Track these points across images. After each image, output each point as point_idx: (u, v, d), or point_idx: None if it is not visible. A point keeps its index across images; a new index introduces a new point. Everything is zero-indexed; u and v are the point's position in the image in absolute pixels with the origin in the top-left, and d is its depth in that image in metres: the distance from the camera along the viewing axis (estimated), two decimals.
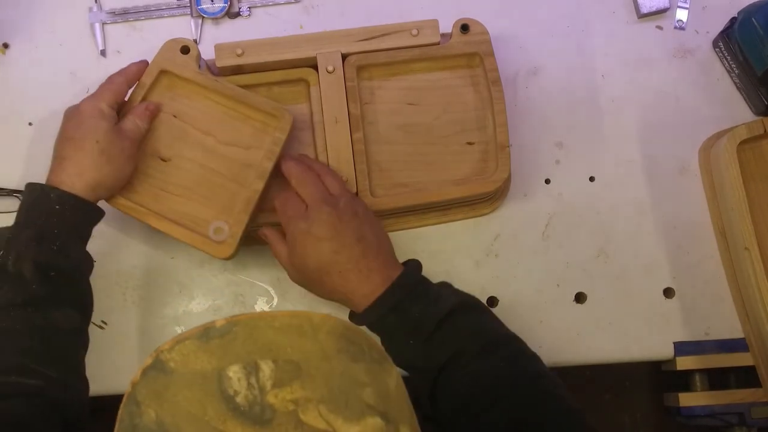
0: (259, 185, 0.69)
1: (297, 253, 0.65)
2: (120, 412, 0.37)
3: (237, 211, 0.69)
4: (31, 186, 0.64)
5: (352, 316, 0.65)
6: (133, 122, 0.68)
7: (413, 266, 0.66)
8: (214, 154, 0.71)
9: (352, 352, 0.39)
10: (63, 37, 0.81)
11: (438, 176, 0.73)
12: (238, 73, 0.73)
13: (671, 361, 0.76)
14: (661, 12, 0.81)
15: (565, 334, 0.76)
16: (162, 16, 0.81)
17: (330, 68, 0.72)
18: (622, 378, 1.25)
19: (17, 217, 0.63)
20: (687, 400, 0.77)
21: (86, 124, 0.65)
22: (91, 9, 0.81)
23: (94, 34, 0.81)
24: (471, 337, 0.62)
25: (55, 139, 0.67)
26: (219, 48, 0.72)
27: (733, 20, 0.77)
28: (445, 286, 0.66)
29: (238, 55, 0.72)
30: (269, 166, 0.69)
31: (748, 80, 0.77)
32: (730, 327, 0.76)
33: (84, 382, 0.63)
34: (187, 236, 0.68)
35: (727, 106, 0.80)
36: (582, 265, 0.77)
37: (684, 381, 0.79)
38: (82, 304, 0.65)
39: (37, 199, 0.62)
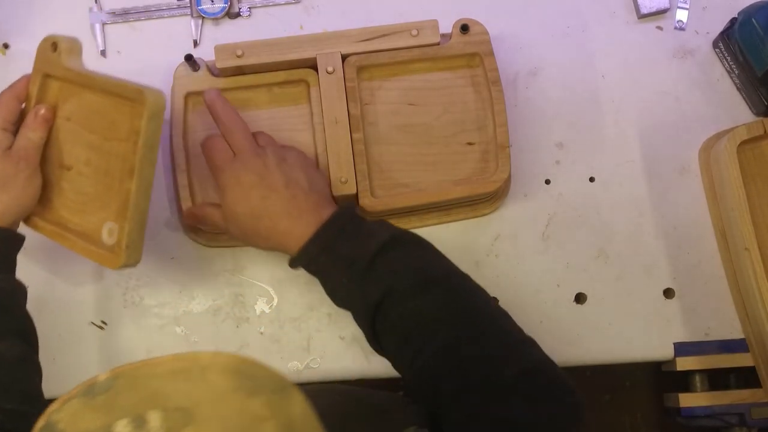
0: (130, 184, 0.62)
1: (228, 202, 0.65)
2: None
3: (120, 216, 0.63)
4: None
5: (290, 261, 0.64)
6: (25, 137, 0.65)
7: (346, 206, 0.65)
8: (101, 153, 0.65)
9: (248, 387, 0.37)
10: None
11: (438, 176, 0.73)
12: (239, 74, 0.73)
13: (671, 362, 0.76)
14: (661, 12, 0.81)
15: (565, 334, 0.76)
16: (162, 17, 0.81)
17: (330, 69, 0.72)
18: (622, 378, 1.25)
19: None
20: (687, 400, 0.77)
21: None
22: (91, 9, 0.81)
23: (94, 35, 0.81)
24: (405, 273, 0.60)
25: None
26: (219, 49, 0.72)
27: (733, 21, 0.77)
28: (380, 223, 0.64)
29: (238, 56, 0.72)
30: (135, 161, 0.62)
31: (748, 81, 0.77)
32: (730, 327, 0.76)
33: (39, 407, 0.63)
34: (84, 250, 0.65)
35: (727, 106, 0.80)
36: (582, 265, 0.77)
37: (684, 381, 0.79)
38: (24, 332, 0.64)
39: None
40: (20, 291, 0.65)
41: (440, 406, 0.57)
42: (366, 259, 0.60)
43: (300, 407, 0.38)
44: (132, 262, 0.64)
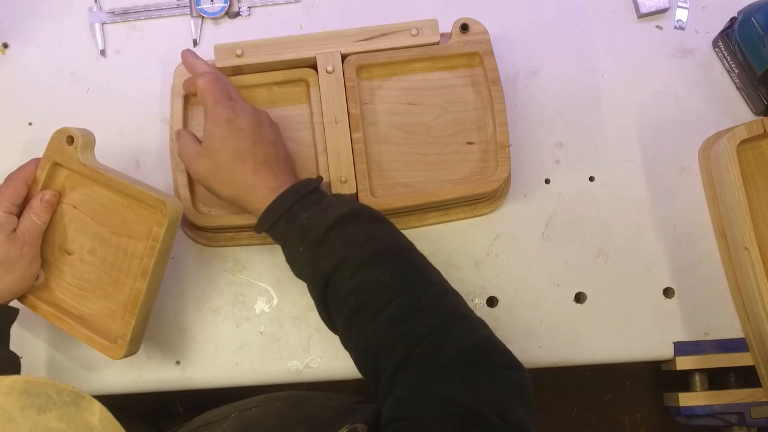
0: (142, 284, 0.66)
1: (216, 135, 0.65)
2: None
3: (127, 311, 0.67)
4: None
5: (255, 226, 0.65)
6: (30, 220, 0.67)
7: (312, 179, 0.66)
8: (109, 246, 0.69)
9: (38, 404, 0.37)
10: (63, 37, 0.81)
11: (438, 176, 0.73)
12: (238, 73, 0.73)
13: (671, 361, 0.76)
14: (660, 12, 0.81)
15: (565, 334, 0.76)
16: (162, 16, 0.81)
17: (330, 68, 0.72)
18: (622, 378, 1.25)
19: None
20: (687, 399, 0.77)
21: None
22: (91, 9, 0.81)
23: (94, 34, 0.81)
24: (358, 246, 0.61)
25: None
26: (218, 49, 0.72)
27: (732, 20, 0.77)
28: (340, 197, 0.66)
29: (238, 56, 0.72)
30: (150, 263, 0.66)
31: (748, 80, 0.77)
32: (730, 327, 0.76)
33: None
34: (85, 337, 0.67)
35: (726, 106, 0.80)
36: (582, 265, 0.77)
37: (684, 381, 0.79)
38: None
39: None
40: (13, 363, 0.66)
41: (383, 383, 0.57)
42: (321, 229, 0.61)
43: (98, 415, 0.39)
44: (132, 352, 0.68)
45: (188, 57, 0.70)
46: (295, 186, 0.64)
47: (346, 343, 0.62)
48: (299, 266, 0.63)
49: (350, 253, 0.60)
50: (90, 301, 0.69)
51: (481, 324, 0.60)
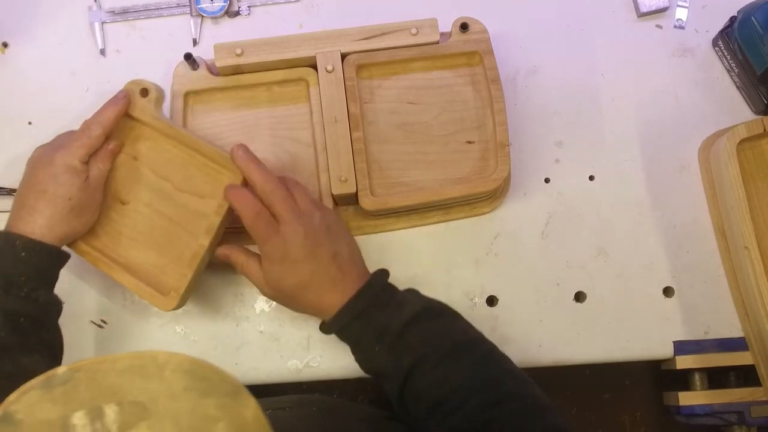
0: (206, 241, 0.67)
1: (274, 274, 0.64)
2: None
3: (184, 264, 0.68)
4: None
5: (322, 325, 0.66)
6: (97, 168, 0.68)
7: (379, 274, 0.66)
8: (169, 201, 0.70)
9: (201, 388, 0.38)
10: (63, 36, 0.81)
11: (438, 175, 0.73)
12: (238, 72, 0.73)
13: (671, 360, 0.76)
14: (660, 11, 0.81)
15: (564, 333, 0.76)
16: (161, 16, 0.81)
17: (329, 67, 0.72)
18: (621, 377, 1.25)
19: None
20: (687, 399, 0.77)
21: (60, 180, 0.64)
22: (90, 8, 0.81)
23: (93, 34, 0.81)
24: (436, 342, 0.62)
25: (23, 175, 0.67)
26: (218, 48, 0.72)
27: (732, 19, 0.77)
28: (411, 292, 0.66)
29: (238, 55, 0.72)
30: (217, 221, 0.67)
31: (748, 79, 0.77)
32: (730, 326, 0.76)
33: None
34: (134, 285, 0.68)
35: (726, 105, 0.80)
36: (582, 264, 0.77)
37: (684, 380, 0.79)
38: (51, 348, 0.65)
39: (3, 248, 0.62)
40: (55, 307, 0.66)
41: None
42: (398, 328, 0.61)
43: (252, 412, 0.39)
44: (180, 306, 0.68)
45: (250, 164, 0.65)
46: (366, 288, 0.63)
47: (425, 429, 0.62)
48: (374, 364, 0.63)
49: (428, 350, 0.61)
50: (139, 251, 0.69)
51: (557, 412, 0.60)
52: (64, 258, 0.66)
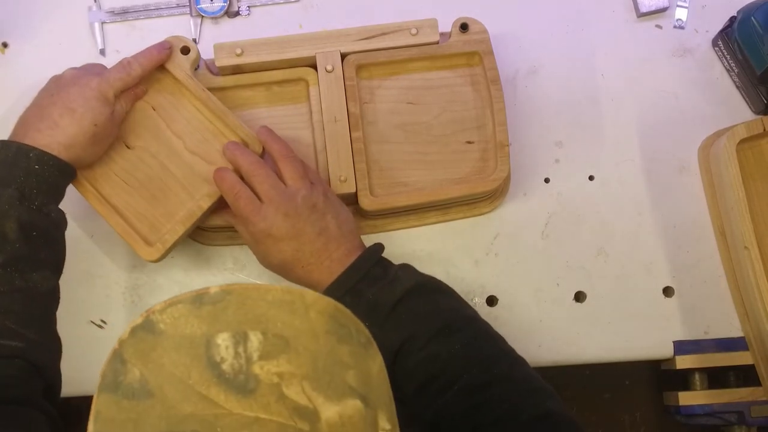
0: (206, 204, 0.69)
1: (259, 251, 0.66)
2: (103, 368, 0.37)
3: (176, 221, 0.69)
4: (5, 144, 0.62)
5: None
6: (120, 106, 0.68)
7: (373, 249, 0.65)
8: (177, 158, 0.71)
9: (340, 334, 0.39)
10: (62, 36, 0.81)
11: (438, 175, 0.73)
12: (238, 72, 0.73)
13: (671, 360, 0.76)
14: (660, 11, 0.81)
15: (564, 333, 0.76)
16: (161, 16, 0.81)
17: (329, 67, 0.72)
18: (621, 377, 1.24)
19: None
20: (686, 399, 0.77)
21: (91, 104, 0.65)
22: (90, 8, 0.81)
23: (93, 34, 0.81)
24: (426, 320, 0.61)
25: (47, 95, 0.66)
26: (218, 48, 0.72)
27: (732, 19, 0.77)
28: (404, 268, 0.65)
29: (238, 55, 0.72)
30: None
31: (748, 79, 0.77)
32: (730, 326, 0.76)
33: (58, 343, 0.63)
34: (121, 228, 0.68)
35: (726, 105, 0.80)
36: (581, 264, 0.77)
37: (683, 380, 0.79)
38: (57, 264, 0.64)
39: (15, 158, 0.61)
40: (64, 222, 0.65)
41: None
42: (389, 304, 0.61)
43: (378, 366, 0.40)
44: (159, 260, 0.69)
45: (242, 159, 0.67)
46: (357, 263, 0.63)
47: (415, 408, 0.62)
48: None
49: (419, 328, 0.61)
50: (131, 197, 0.70)
51: (551, 393, 0.60)
52: (73, 174, 0.66)
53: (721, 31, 0.78)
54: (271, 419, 0.36)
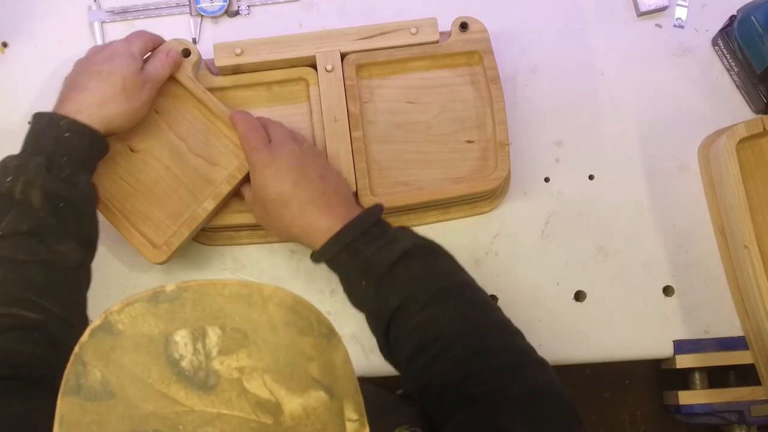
0: (210, 205, 0.69)
1: (258, 182, 0.65)
2: (66, 371, 0.37)
3: (181, 223, 0.69)
4: (38, 115, 0.63)
5: (312, 254, 0.65)
6: (155, 67, 0.69)
7: (372, 210, 0.65)
8: (180, 160, 0.71)
9: (300, 326, 0.39)
10: (62, 36, 0.81)
11: (438, 175, 0.73)
12: (238, 72, 0.73)
13: (671, 360, 0.76)
14: (660, 10, 0.81)
15: (564, 332, 0.76)
16: (161, 15, 0.81)
17: (329, 67, 0.72)
18: (621, 376, 1.25)
19: (24, 145, 0.63)
20: (686, 398, 0.77)
21: (116, 61, 0.66)
22: (90, 8, 0.81)
23: (93, 33, 0.81)
24: (423, 283, 0.61)
25: (74, 72, 0.67)
26: (218, 47, 0.72)
27: (732, 18, 0.77)
28: (403, 230, 0.65)
29: (237, 55, 0.72)
30: (226, 190, 0.69)
31: (748, 78, 0.77)
32: (730, 325, 0.76)
33: (85, 321, 0.63)
34: (126, 231, 0.69)
35: (726, 104, 0.80)
36: (581, 263, 0.77)
37: (684, 379, 0.79)
38: (88, 239, 0.64)
39: (46, 128, 0.62)
40: (94, 196, 0.65)
41: (445, 413, 0.57)
42: (386, 265, 0.61)
43: (342, 357, 0.40)
44: (165, 262, 0.69)
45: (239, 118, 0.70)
46: (357, 219, 0.63)
47: (407, 377, 0.62)
48: (360, 299, 0.63)
49: (415, 291, 0.60)
50: (136, 200, 0.70)
51: (544, 366, 0.59)
52: (105, 147, 0.66)
53: (721, 31, 0.78)
54: (234, 414, 0.36)
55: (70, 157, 0.61)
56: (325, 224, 0.63)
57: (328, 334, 0.40)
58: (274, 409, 0.36)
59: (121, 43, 0.68)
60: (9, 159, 0.61)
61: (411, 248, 0.61)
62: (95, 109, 0.63)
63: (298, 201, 0.63)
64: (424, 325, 0.59)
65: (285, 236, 0.67)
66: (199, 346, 0.36)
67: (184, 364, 0.36)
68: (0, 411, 0.52)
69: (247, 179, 0.69)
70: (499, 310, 0.63)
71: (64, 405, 0.36)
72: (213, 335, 0.37)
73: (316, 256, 0.63)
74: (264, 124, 0.68)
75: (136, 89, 0.66)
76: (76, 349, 0.37)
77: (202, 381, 0.36)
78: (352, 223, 0.62)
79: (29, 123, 0.78)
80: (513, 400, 0.56)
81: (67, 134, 0.61)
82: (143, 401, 0.36)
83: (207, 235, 0.76)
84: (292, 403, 0.37)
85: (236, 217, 0.72)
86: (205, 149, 0.71)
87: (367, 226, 0.62)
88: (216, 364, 0.36)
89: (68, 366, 0.37)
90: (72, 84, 0.65)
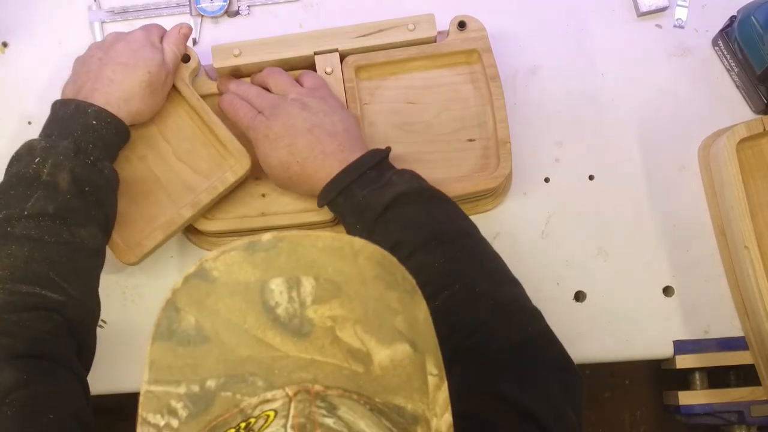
0: (188, 213, 0.69)
1: (260, 156, 0.67)
2: (158, 316, 0.37)
3: (155, 226, 0.69)
4: (62, 101, 0.65)
5: (317, 200, 0.66)
6: (171, 50, 0.69)
7: (373, 152, 0.65)
8: (164, 163, 0.71)
9: (387, 280, 0.39)
10: (62, 35, 0.81)
11: (440, 174, 0.73)
12: (237, 74, 0.73)
13: (671, 360, 0.76)
14: (660, 10, 0.81)
15: (564, 332, 0.75)
16: (161, 15, 0.81)
17: (328, 70, 0.72)
18: (621, 376, 1.25)
19: (47, 130, 0.64)
20: (687, 398, 0.77)
21: (141, 53, 0.66)
22: (90, 8, 0.81)
23: (93, 33, 0.81)
24: (414, 229, 0.60)
25: (91, 56, 0.68)
26: (216, 50, 0.72)
27: (732, 19, 0.77)
28: (402, 173, 0.64)
29: (236, 56, 0.72)
30: (206, 200, 0.69)
31: (748, 79, 0.77)
32: (730, 325, 0.76)
33: (97, 306, 0.64)
34: None
35: (726, 104, 0.80)
36: (581, 263, 0.77)
37: (684, 379, 0.79)
38: (106, 225, 0.65)
39: (74, 114, 0.63)
40: (117, 182, 0.66)
41: None
42: (378, 208, 0.61)
43: (423, 313, 0.40)
44: (136, 264, 0.69)
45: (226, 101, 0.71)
46: (355, 163, 0.63)
47: None
48: None
49: (405, 237, 0.60)
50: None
51: (536, 316, 0.59)
52: (127, 137, 0.67)
53: (721, 31, 0.78)
54: (327, 361, 0.36)
55: (96, 144, 0.63)
56: (324, 174, 0.63)
57: (411, 291, 0.40)
58: (364, 358, 0.37)
59: (141, 32, 0.69)
60: (35, 141, 0.62)
61: (404, 192, 0.61)
62: (122, 104, 0.65)
63: (296, 161, 0.64)
64: (414, 271, 0.59)
65: (302, 192, 0.68)
66: (294, 294, 0.37)
67: (279, 311, 0.37)
68: (26, 389, 0.52)
69: (229, 192, 0.70)
70: (498, 258, 0.62)
71: (154, 350, 0.37)
72: (307, 284, 0.37)
73: (318, 200, 0.65)
74: (263, 81, 0.70)
75: (161, 81, 0.68)
76: (169, 294, 0.37)
77: (297, 328, 0.37)
78: (349, 166, 0.63)
79: (29, 123, 0.79)
80: (502, 351, 0.55)
81: (95, 122, 0.63)
82: (239, 346, 0.36)
83: (210, 241, 0.75)
84: (381, 354, 0.37)
85: (240, 222, 0.72)
86: (190, 156, 0.71)
87: (364, 169, 0.63)
88: (310, 313, 0.37)
89: (160, 312, 0.37)
90: (97, 75, 0.66)
